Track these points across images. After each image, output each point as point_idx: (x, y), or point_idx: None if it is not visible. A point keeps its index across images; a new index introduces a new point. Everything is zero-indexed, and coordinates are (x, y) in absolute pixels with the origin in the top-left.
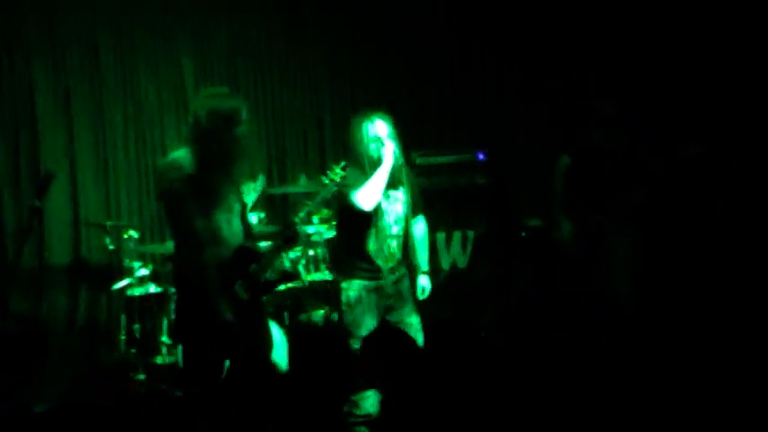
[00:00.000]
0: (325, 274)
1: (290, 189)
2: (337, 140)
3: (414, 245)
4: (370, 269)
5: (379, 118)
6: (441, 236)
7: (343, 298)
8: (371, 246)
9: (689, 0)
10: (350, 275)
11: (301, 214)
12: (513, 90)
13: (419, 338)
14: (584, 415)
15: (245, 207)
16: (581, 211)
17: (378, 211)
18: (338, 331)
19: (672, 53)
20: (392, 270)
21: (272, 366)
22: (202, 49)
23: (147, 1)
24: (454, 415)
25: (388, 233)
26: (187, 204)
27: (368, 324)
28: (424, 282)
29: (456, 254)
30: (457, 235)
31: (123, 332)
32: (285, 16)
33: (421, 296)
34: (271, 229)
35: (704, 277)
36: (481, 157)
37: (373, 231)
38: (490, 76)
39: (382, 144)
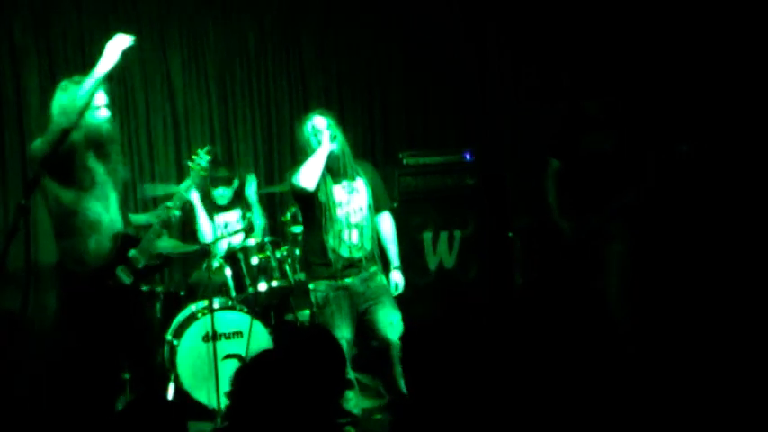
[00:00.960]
0: None
1: (278, 188)
2: None
3: (382, 241)
4: (333, 265)
5: (319, 114)
6: (428, 236)
7: (312, 299)
8: (330, 237)
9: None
10: (316, 276)
11: (287, 215)
12: (501, 90)
13: (395, 335)
14: (579, 415)
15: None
16: (573, 215)
17: (330, 201)
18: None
19: (663, 51)
20: (360, 264)
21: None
22: (191, 47)
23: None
24: (448, 416)
25: (346, 223)
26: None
27: (339, 324)
28: (396, 277)
29: (443, 254)
30: (444, 235)
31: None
32: (276, 15)
33: (395, 292)
34: (147, 216)
35: (698, 277)
36: (469, 157)
37: (329, 223)
38: (478, 77)
39: (319, 134)
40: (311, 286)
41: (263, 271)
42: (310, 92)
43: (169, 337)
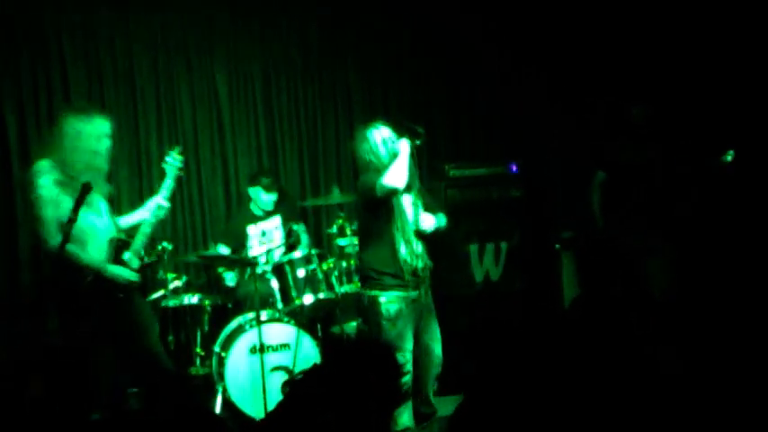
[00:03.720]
0: (357, 286)
1: (322, 201)
2: None
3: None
4: (403, 277)
5: (381, 124)
6: (474, 248)
7: (384, 312)
8: (401, 247)
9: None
10: (386, 287)
11: (334, 227)
12: (547, 102)
13: (440, 348)
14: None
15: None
16: (616, 226)
17: (402, 210)
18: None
19: (706, 62)
20: (423, 279)
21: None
22: (237, 65)
23: (183, 17)
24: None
25: (412, 232)
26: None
27: (409, 336)
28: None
29: (489, 266)
30: (490, 247)
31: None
32: (319, 32)
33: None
34: (134, 215)
35: (740, 288)
36: (514, 169)
37: (401, 233)
38: (523, 89)
39: (393, 142)
40: (382, 298)
41: (310, 283)
42: (355, 106)
43: (217, 348)
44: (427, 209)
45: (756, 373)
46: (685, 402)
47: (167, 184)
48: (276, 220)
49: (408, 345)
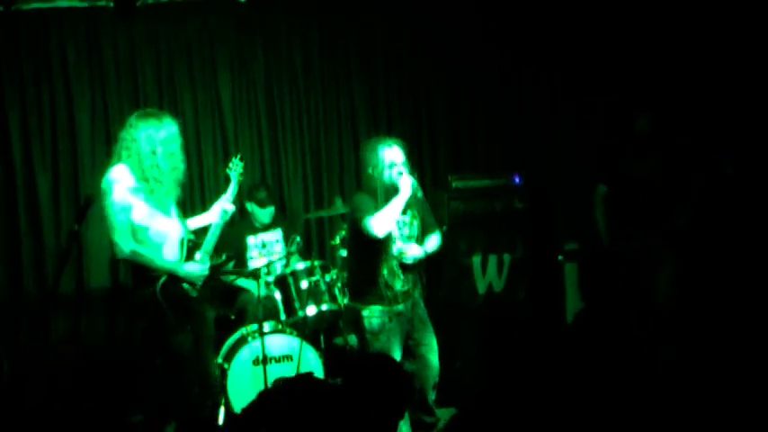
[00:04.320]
0: None
1: (325, 212)
2: None
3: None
4: (385, 295)
5: (396, 144)
6: (476, 259)
7: (367, 325)
8: (385, 271)
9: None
10: (368, 302)
11: (337, 239)
12: (550, 113)
13: (436, 359)
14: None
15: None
16: (621, 239)
17: (389, 238)
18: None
19: (709, 67)
20: (407, 293)
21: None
22: (240, 75)
23: (186, 23)
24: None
25: (398, 254)
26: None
27: (395, 349)
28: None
29: (492, 277)
30: (493, 259)
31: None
32: (322, 42)
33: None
34: (202, 218)
35: (746, 298)
36: (518, 180)
37: (384, 258)
38: (526, 100)
39: (397, 170)
40: (365, 312)
41: (313, 294)
42: (358, 116)
43: (219, 360)
44: (424, 228)
45: (760, 382)
46: (688, 413)
47: (232, 189)
48: (277, 234)
49: (395, 357)
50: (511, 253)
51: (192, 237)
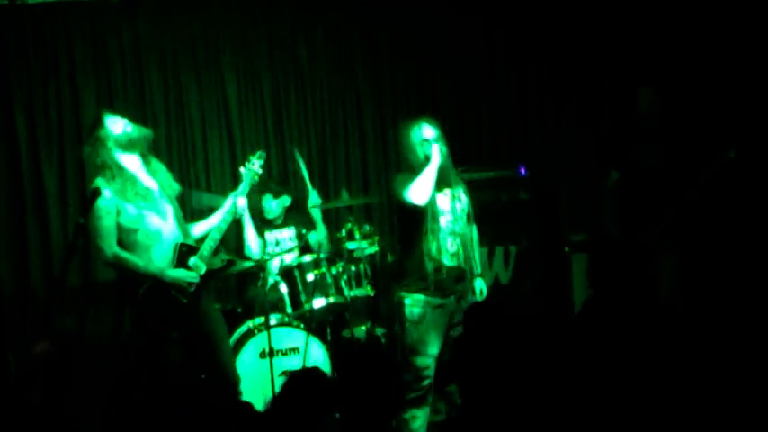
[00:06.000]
0: (367, 290)
1: (332, 205)
2: (379, 155)
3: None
4: (428, 280)
5: (426, 122)
6: (483, 251)
7: (407, 314)
8: (433, 247)
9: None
10: (413, 290)
11: (343, 231)
12: (555, 104)
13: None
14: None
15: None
16: (631, 226)
17: (434, 209)
18: (398, 348)
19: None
20: (457, 276)
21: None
22: (245, 70)
23: (191, 17)
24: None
25: (447, 231)
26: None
27: (433, 341)
28: (480, 284)
29: (498, 269)
30: (499, 250)
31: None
32: (327, 36)
33: (479, 297)
34: (204, 223)
35: (750, 287)
36: (523, 172)
37: (433, 232)
38: (531, 91)
39: (430, 146)
40: (407, 301)
41: (319, 287)
42: (364, 109)
43: None
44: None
45: (759, 373)
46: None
47: (243, 186)
48: (291, 231)
49: (431, 350)
50: (517, 245)
51: (190, 241)
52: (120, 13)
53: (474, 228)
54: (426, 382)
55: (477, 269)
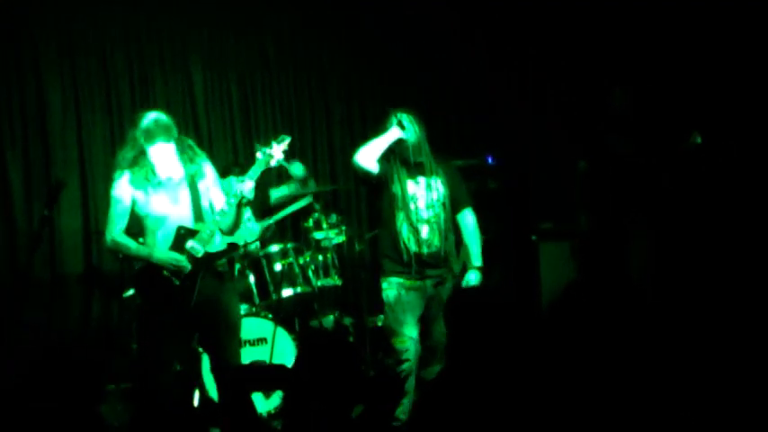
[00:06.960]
0: (334, 280)
1: (297, 192)
2: (346, 145)
3: (465, 238)
4: (402, 263)
5: (403, 112)
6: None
7: (384, 298)
8: (404, 230)
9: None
10: (388, 272)
11: (310, 221)
12: (521, 91)
13: (442, 348)
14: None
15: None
16: (601, 214)
17: (404, 194)
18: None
19: (680, 50)
20: (432, 262)
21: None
22: (212, 62)
23: (159, 11)
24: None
25: (418, 217)
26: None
27: (409, 322)
28: (471, 277)
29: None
30: None
31: (135, 340)
32: (293, 30)
33: (463, 284)
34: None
35: (720, 273)
36: (491, 160)
37: (403, 216)
38: (497, 78)
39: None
40: (384, 284)
41: (287, 277)
42: (332, 103)
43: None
44: (454, 203)
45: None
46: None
47: (254, 172)
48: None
49: (408, 331)
50: (485, 234)
51: (197, 227)
52: (86, 8)
53: (471, 218)
54: (406, 365)
55: (475, 262)
